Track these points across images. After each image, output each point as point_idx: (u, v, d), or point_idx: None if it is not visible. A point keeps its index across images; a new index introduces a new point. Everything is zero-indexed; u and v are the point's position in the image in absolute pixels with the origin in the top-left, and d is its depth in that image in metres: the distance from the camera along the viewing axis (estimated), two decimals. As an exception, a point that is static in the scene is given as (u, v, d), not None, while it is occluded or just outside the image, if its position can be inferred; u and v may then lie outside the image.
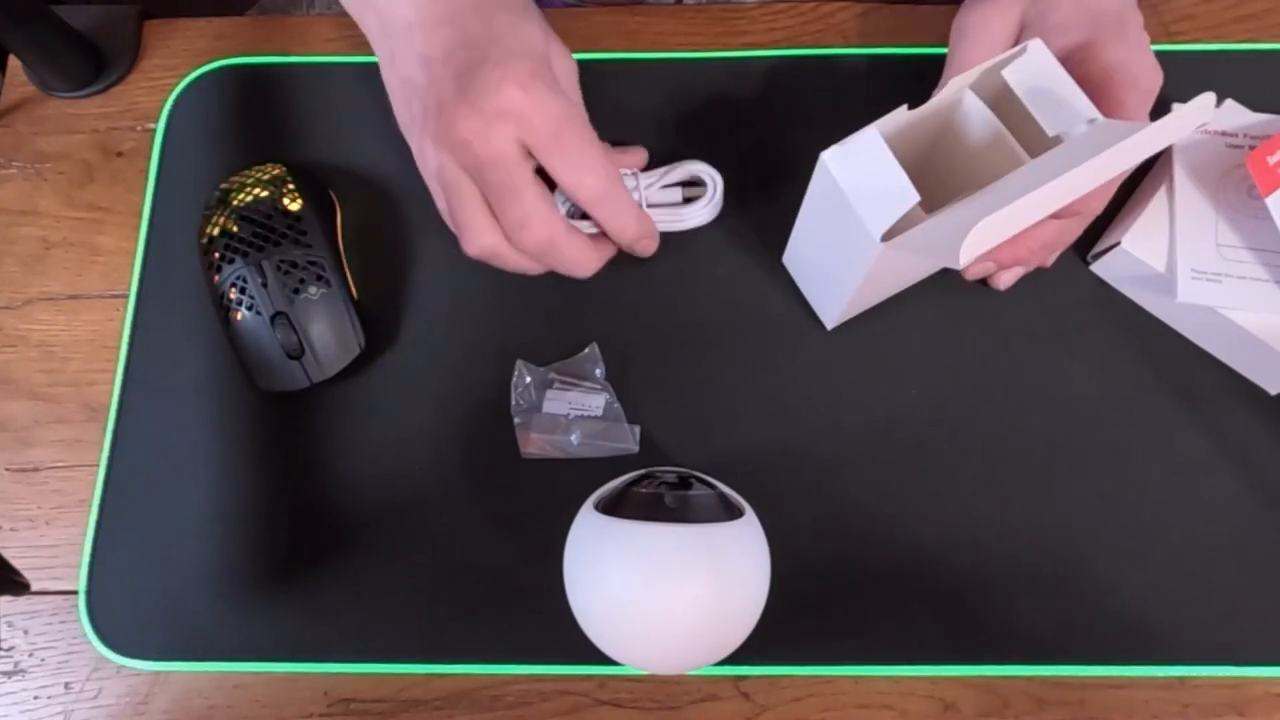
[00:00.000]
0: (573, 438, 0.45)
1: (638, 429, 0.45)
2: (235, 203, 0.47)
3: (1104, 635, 0.43)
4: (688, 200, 0.48)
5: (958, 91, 0.40)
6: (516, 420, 0.46)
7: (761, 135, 0.51)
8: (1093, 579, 0.44)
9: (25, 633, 0.45)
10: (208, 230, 0.47)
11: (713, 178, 0.48)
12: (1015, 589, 0.44)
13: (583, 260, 0.42)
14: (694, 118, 0.51)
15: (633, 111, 0.51)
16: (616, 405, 0.46)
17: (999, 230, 0.33)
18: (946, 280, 0.47)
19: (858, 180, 0.37)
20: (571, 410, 0.46)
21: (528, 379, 0.46)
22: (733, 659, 0.40)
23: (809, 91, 0.51)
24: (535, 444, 0.45)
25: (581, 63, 0.52)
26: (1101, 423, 0.46)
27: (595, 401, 0.46)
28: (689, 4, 0.55)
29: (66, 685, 0.44)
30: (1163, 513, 0.45)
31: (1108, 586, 0.44)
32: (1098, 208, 0.42)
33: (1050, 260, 0.46)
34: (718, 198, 0.48)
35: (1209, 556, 0.44)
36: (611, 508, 0.39)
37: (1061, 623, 0.43)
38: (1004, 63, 0.39)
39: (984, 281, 0.47)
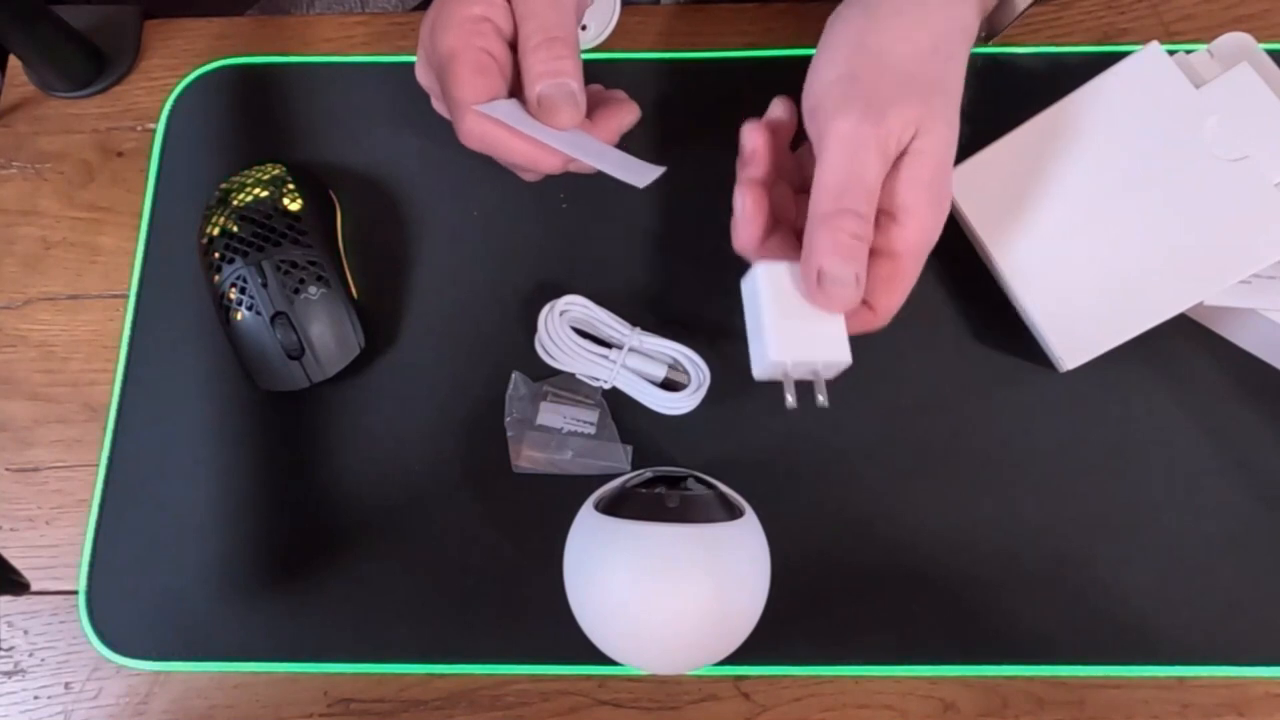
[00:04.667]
0: (566, 455, 0.45)
1: (630, 449, 0.46)
2: (235, 203, 0.47)
3: (1104, 635, 0.43)
4: (670, 383, 0.46)
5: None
6: (510, 433, 0.46)
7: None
8: (1093, 579, 0.44)
9: (25, 633, 0.45)
10: (208, 230, 0.47)
11: (700, 372, 0.46)
12: (1015, 589, 0.44)
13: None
14: (695, 118, 0.51)
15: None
16: (610, 422, 0.46)
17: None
18: (943, 288, 0.47)
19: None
20: (565, 424, 0.46)
21: (523, 390, 0.46)
22: (733, 659, 0.40)
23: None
24: (527, 459, 0.45)
25: (582, 63, 0.52)
26: (1101, 422, 0.46)
27: (588, 416, 0.46)
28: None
29: (66, 685, 0.44)
30: (1163, 513, 0.45)
31: (1108, 586, 0.44)
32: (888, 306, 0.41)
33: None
34: (701, 392, 0.46)
35: (1209, 556, 0.44)
36: (612, 507, 0.39)
37: (1061, 623, 0.43)
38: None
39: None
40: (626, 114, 0.44)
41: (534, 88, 0.40)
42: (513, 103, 0.41)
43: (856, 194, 0.38)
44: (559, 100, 0.40)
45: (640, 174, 0.43)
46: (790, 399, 0.40)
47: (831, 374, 0.41)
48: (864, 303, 0.40)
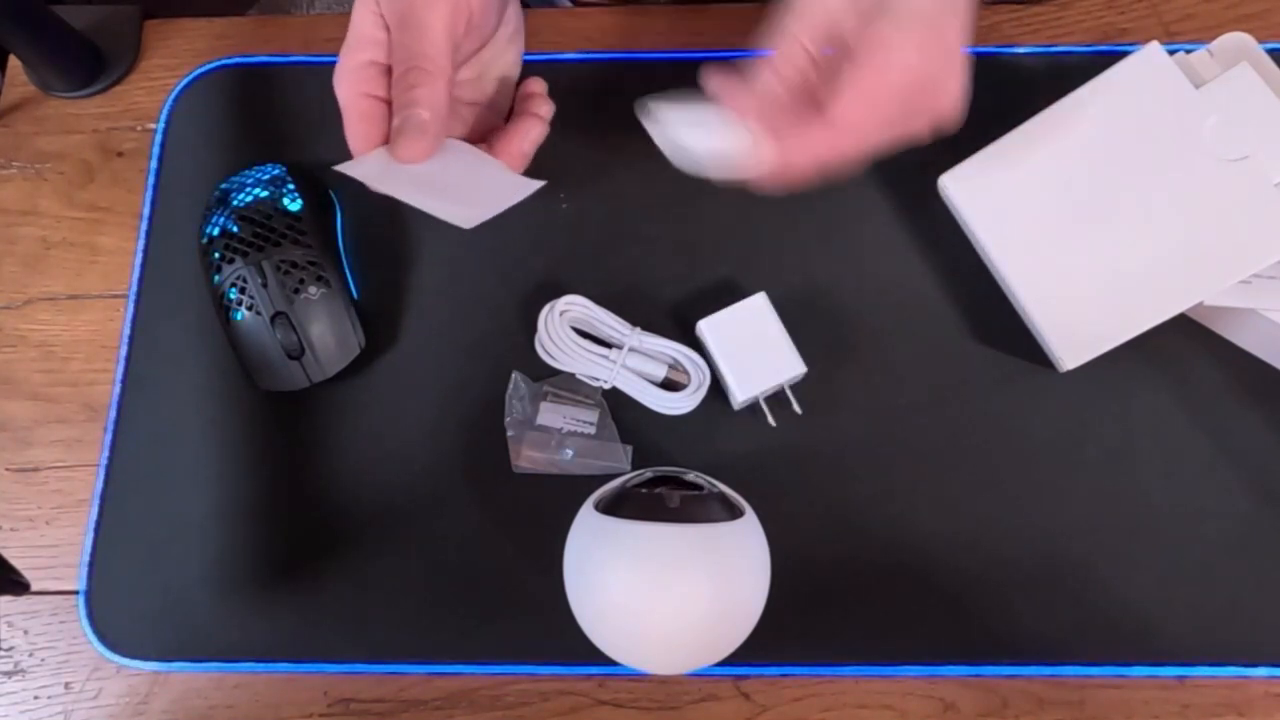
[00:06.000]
0: (565, 455, 0.45)
1: (630, 449, 0.46)
2: (235, 203, 0.47)
3: (1104, 635, 0.43)
4: (670, 383, 0.46)
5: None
6: (510, 433, 0.46)
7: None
8: (1093, 579, 0.44)
9: (25, 633, 0.45)
10: (208, 230, 0.47)
11: (700, 372, 0.46)
12: (1015, 589, 0.44)
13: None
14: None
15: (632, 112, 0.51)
16: (610, 422, 0.46)
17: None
18: (943, 286, 0.47)
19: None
20: (565, 424, 0.46)
21: (523, 390, 0.46)
22: (733, 659, 0.40)
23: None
24: (527, 459, 0.45)
25: (582, 63, 0.52)
26: (1101, 422, 0.46)
27: (588, 416, 0.46)
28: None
29: (66, 685, 0.44)
30: (1163, 513, 0.44)
31: (1108, 586, 0.44)
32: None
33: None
34: (701, 392, 0.46)
35: (1209, 556, 0.44)
36: (612, 507, 0.39)
37: (1061, 623, 0.43)
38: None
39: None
40: (530, 130, 0.43)
41: (394, 123, 0.39)
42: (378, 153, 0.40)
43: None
44: (402, 133, 0.38)
45: (482, 211, 0.44)
46: (770, 420, 0.45)
47: (795, 382, 0.45)
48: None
